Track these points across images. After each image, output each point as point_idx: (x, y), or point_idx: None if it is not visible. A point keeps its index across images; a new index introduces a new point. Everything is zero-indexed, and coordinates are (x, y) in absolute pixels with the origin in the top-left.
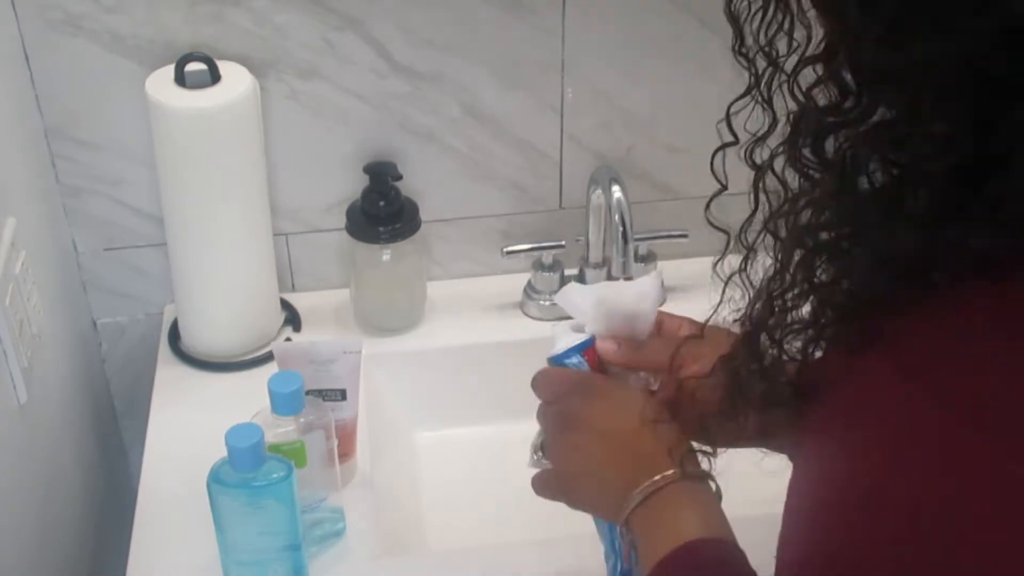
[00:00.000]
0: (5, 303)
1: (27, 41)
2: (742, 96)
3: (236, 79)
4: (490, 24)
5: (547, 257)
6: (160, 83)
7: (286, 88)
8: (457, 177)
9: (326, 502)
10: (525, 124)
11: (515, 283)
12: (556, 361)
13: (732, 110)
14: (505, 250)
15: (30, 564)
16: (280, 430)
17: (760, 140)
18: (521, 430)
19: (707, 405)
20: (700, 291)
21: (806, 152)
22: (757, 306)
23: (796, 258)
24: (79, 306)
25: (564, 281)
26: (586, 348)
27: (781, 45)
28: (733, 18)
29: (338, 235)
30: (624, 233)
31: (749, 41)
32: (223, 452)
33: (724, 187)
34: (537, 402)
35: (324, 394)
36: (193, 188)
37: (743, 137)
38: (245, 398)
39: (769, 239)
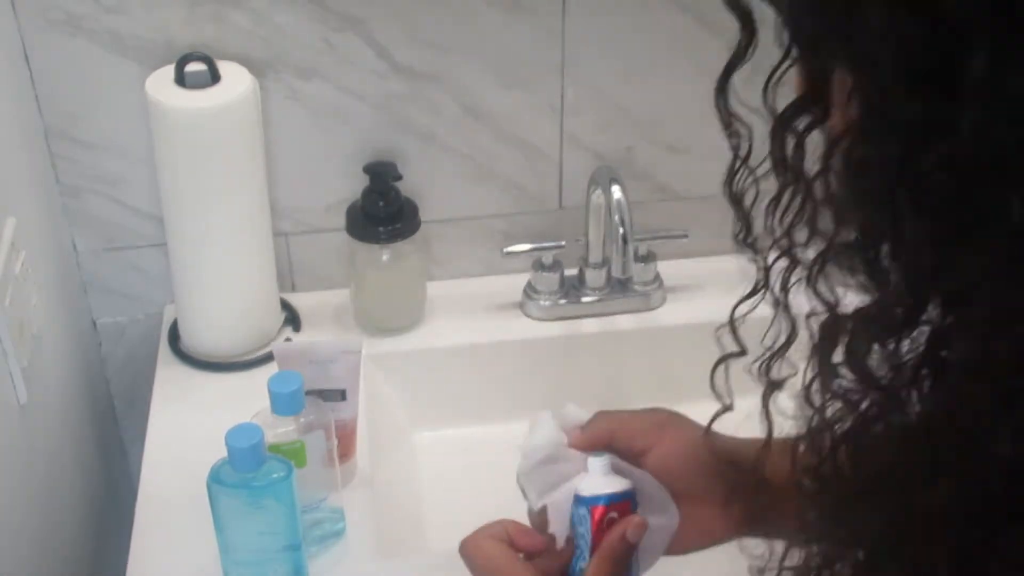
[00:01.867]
0: (5, 303)
1: (27, 41)
2: (747, 297)
3: (236, 79)
4: (490, 24)
5: (547, 257)
6: (160, 83)
7: (286, 88)
8: (457, 177)
9: (326, 502)
10: (525, 124)
11: (515, 283)
12: (585, 503)
13: (736, 313)
14: (505, 250)
15: (30, 564)
16: (280, 430)
17: (777, 355)
18: (521, 430)
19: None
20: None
21: (842, 370)
22: None
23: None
24: (79, 306)
25: (564, 281)
26: (612, 503)
27: (798, 233)
28: (736, 200)
29: (338, 235)
30: (624, 233)
31: (758, 229)
32: (223, 452)
33: (728, 407)
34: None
35: (324, 394)
36: (193, 188)
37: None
38: (245, 398)
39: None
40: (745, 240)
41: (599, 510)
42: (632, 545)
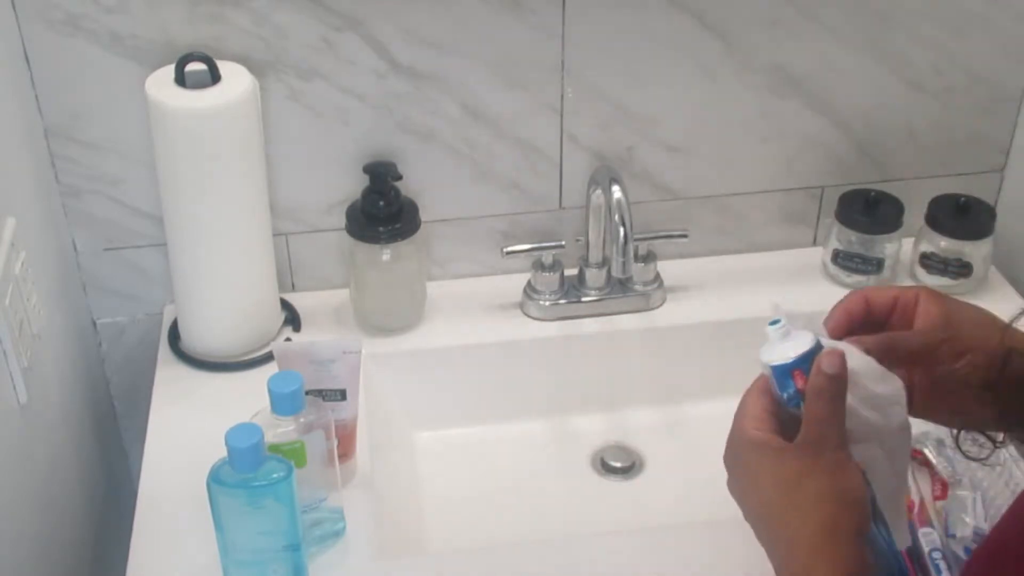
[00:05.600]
0: (5, 303)
1: (27, 41)
2: None
3: (236, 79)
4: (490, 24)
5: (547, 257)
6: (160, 83)
7: (286, 88)
8: (457, 177)
9: (326, 502)
10: (525, 124)
11: (515, 283)
12: (779, 371)
13: None
14: (505, 250)
15: (30, 564)
16: (280, 430)
17: None
18: (521, 430)
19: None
20: (700, 291)
21: None
22: None
23: None
24: (79, 306)
25: (564, 281)
26: (807, 362)
27: None
28: None
29: (338, 235)
30: (624, 233)
31: None
32: (223, 452)
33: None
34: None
35: (324, 394)
36: (193, 188)
37: None
38: (245, 398)
39: None
40: None
41: (798, 373)
42: (834, 376)
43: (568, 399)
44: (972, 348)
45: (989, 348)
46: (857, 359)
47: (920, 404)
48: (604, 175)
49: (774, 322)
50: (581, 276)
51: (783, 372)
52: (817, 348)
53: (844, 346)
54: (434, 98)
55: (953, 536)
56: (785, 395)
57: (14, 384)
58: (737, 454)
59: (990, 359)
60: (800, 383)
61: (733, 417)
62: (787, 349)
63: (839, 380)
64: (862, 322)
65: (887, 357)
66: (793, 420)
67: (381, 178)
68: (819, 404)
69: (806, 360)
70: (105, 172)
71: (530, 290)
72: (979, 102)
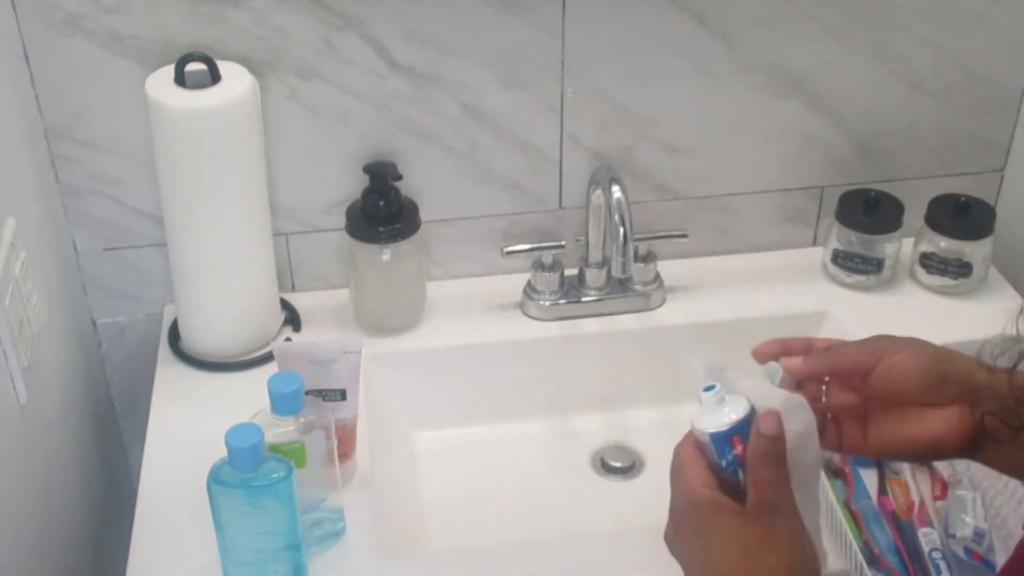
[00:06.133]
0: (5, 303)
1: (27, 41)
2: None
3: (236, 79)
4: (490, 24)
5: (547, 257)
6: (160, 83)
7: (286, 88)
8: (457, 177)
9: (326, 502)
10: (525, 124)
11: (515, 283)
12: (718, 438)
13: None
14: (505, 250)
15: (30, 564)
16: (280, 430)
17: None
18: (521, 430)
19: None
20: (700, 291)
21: None
22: None
23: None
24: (79, 306)
25: (564, 281)
26: (745, 426)
27: None
28: None
29: (338, 235)
30: (624, 233)
31: None
32: (223, 452)
33: None
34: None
35: (324, 394)
36: (193, 188)
37: None
38: (245, 398)
39: None
40: None
41: (737, 440)
42: (775, 438)
43: (568, 399)
44: (903, 356)
45: (922, 356)
46: (755, 382)
47: (878, 430)
48: (604, 175)
49: (708, 388)
50: (581, 276)
51: (722, 439)
52: (752, 413)
53: (751, 380)
54: (434, 98)
55: (953, 536)
56: (723, 462)
57: (14, 384)
58: (687, 511)
59: (923, 361)
60: (739, 449)
61: (673, 469)
62: (724, 415)
63: (780, 441)
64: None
65: (829, 369)
66: (727, 483)
67: (381, 178)
68: (766, 468)
69: (744, 425)
70: (105, 172)
71: (530, 290)
72: (979, 102)
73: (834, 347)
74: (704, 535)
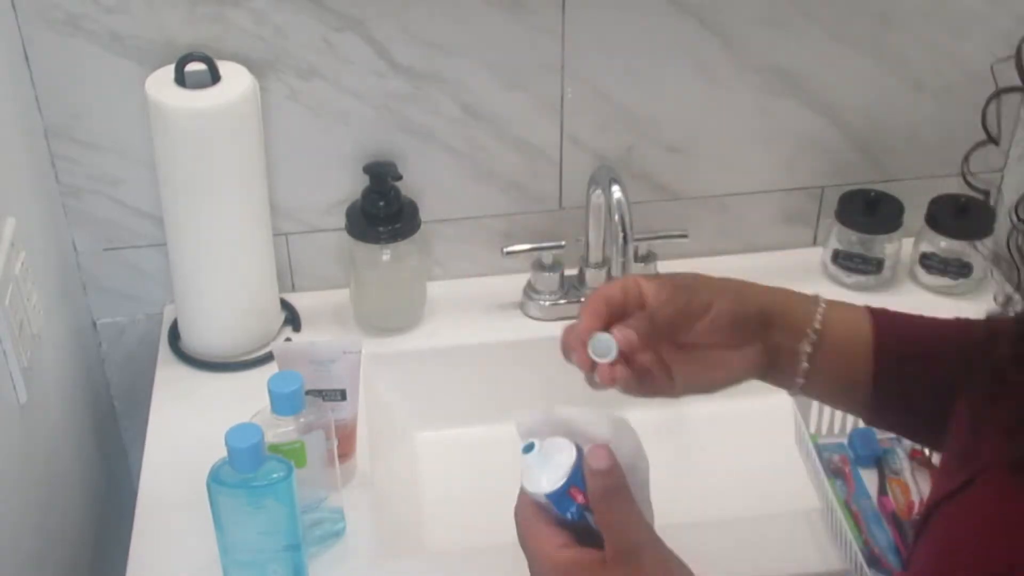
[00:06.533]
0: (5, 303)
1: (27, 41)
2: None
3: (236, 79)
4: (490, 24)
5: (547, 257)
6: (160, 83)
7: (286, 88)
8: (457, 177)
9: (326, 502)
10: (525, 124)
11: (515, 283)
12: (555, 496)
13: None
14: (505, 250)
15: (30, 564)
16: (280, 430)
17: None
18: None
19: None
20: None
21: None
22: None
23: None
24: (79, 306)
25: (564, 281)
26: (578, 473)
27: None
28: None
29: (338, 235)
30: (624, 233)
31: None
32: (223, 452)
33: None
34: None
35: (324, 394)
36: (193, 188)
37: None
38: (245, 398)
39: None
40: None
41: (574, 490)
42: (609, 471)
43: (568, 399)
44: (713, 297)
45: (728, 293)
46: (573, 413)
47: (686, 376)
48: (604, 175)
49: (527, 448)
50: (581, 276)
51: (559, 496)
52: (579, 455)
53: (569, 413)
54: (434, 98)
55: None
56: (568, 514)
57: (14, 384)
58: None
59: (734, 302)
60: (580, 498)
61: (521, 537)
62: (553, 470)
63: (615, 470)
64: (607, 317)
65: (655, 332)
66: (579, 529)
67: (381, 178)
68: (611, 509)
69: (576, 472)
70: (105, 172)
71: (530, 290)
72: (979, 102)
73: (653, 308)
74: None
